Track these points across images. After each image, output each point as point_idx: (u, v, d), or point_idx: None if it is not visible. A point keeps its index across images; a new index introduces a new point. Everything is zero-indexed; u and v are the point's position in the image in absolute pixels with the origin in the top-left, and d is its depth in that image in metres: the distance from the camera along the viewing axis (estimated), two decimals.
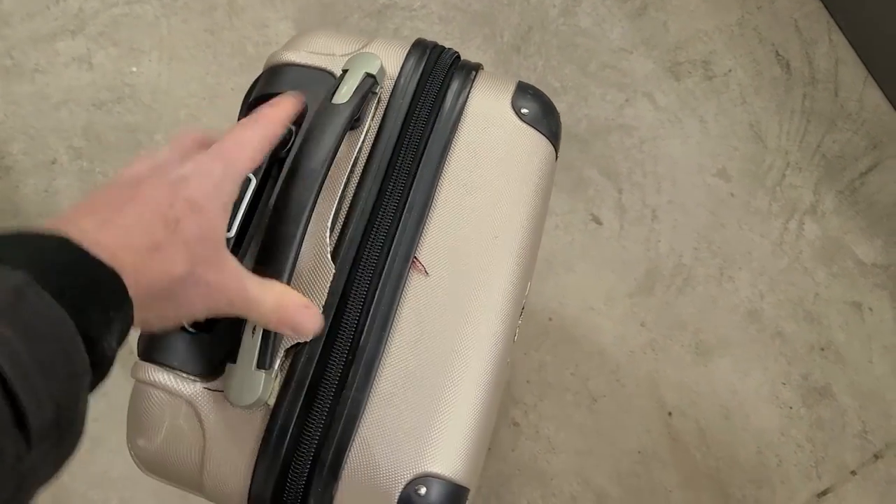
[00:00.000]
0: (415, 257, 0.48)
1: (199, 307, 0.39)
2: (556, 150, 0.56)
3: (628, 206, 1.09)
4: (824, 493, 0.98)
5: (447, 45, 0.57)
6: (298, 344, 0.45)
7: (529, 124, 0.52)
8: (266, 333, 0.43)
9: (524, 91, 0.54)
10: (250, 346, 0.43)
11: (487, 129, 0.52)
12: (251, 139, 0.42)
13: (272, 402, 0.44)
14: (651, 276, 1.06)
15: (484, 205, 0.50)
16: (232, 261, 0.40)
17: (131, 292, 0.33)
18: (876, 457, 1.00)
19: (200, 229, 0.38)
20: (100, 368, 0.32)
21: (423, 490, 0.44)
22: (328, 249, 0.47)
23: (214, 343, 0.46)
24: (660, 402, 1.00)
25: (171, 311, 0.38)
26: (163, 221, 0.36)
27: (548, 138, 0.54)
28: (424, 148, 0.50)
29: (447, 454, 0.45)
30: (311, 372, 0.45)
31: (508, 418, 0.99)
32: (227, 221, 0.40)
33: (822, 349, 1.04)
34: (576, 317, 1.04)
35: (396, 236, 0.48)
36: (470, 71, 0.54)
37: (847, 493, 0.98)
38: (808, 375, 1.03)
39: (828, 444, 1.00)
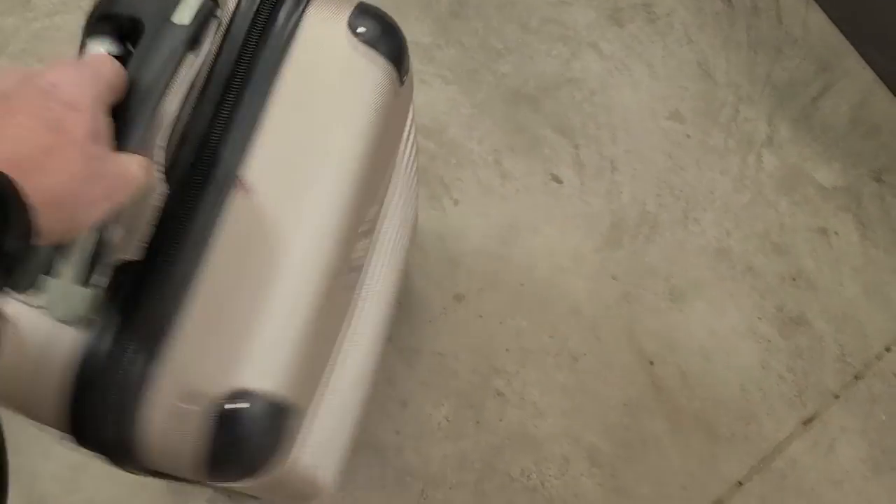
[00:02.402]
0: (238, 177, 0.47)
1: (103, 204, 0.40)
2: (402, 72, 0.53)
3: (586, 161, 1.08)
4: (810, 419, 0.99)
5: None
6: (123, 263, 0.44)
7: (367, 44, 0.51)
8: (85, 248, 0.43)
9: (363, 11, 0.52)
10: (73, 260, 0.43)
11: (320, 49, 0.50)
12: (108, 58, 0.43)
13: (87, 317, 0.44)
14: (617, 229, 1.05)
15: (313, 127, 0.49)
16: (121, 154, 0.41)
17: (33, 200, 0.34)
18: (856, 377, 1.01)
19: (85, 127, 0.39)
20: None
21: (242, 406, 0.42)
22: (162, 170, 0.46)
23: (35, 256, 0.45)
24: (640, 353, 1.01)
25: (79, 214, 0.39)
26: (45, 126, 0.37)
27: (388, 59, 0.52)
28: (255, 70, 0.49)
29: (267, 369, 0.44)
30: (131, 289, 0.44)
31: (492, 389, 0.99)
32: (106, 120, 0.41)
33: (794, 279, 1.05)
34: (547, 279, 1.03)
35: (224, 156, 0.47)
36: None
37: (832, 417, 1.00)
38: (783, 306, 1.04)
39: (808, 371, 1.01)
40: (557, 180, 1.07)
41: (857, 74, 1.14)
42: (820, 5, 1.16)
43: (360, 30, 0.50)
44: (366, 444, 0.96)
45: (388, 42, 0.51)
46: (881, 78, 1.13)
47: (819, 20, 1.16)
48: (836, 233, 1.07)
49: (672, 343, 1.02)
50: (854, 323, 1.04)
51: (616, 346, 1.01)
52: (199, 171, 0.46)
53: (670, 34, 1.14)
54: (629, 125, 1.10)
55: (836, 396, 1.01)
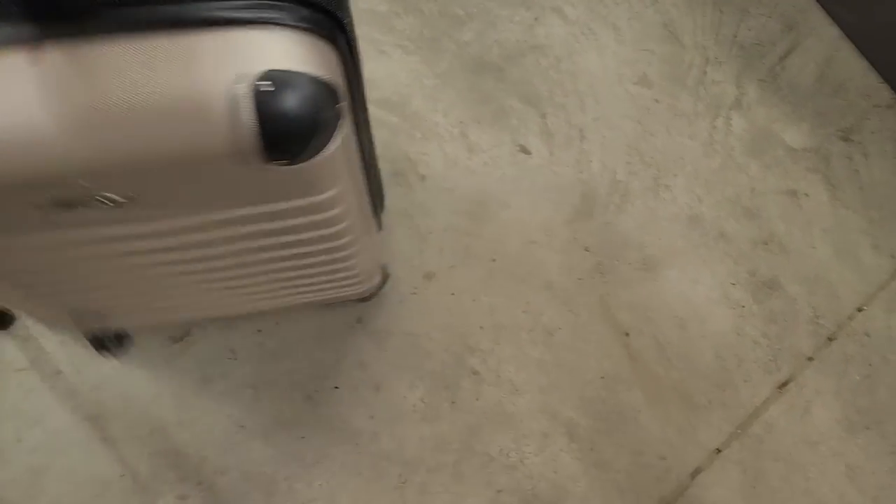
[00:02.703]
0: None
1: None
2: None
3: (554, 130, 1.05)
4: (785, 383, 0.99)
5: None
6: None
7: None
8: None
9: None
10: None
11: None
12: None
13: None
14: (588, 199, 1.03)
15: None
16: None
17: None
18: (829, 339, 1.01)
19: None
20: None
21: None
22: None
23: None
24: (615, 325, 0.99)
25: None
26: None
27: None
28: None
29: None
30: None
31: (467, 368, 0.96)
32: None
33: (765, 243, 1.04)
34: (518, 253, 1.01)
35: None
36: None
37: (807, 380, 1.00)
38: (756, 271, 1.03)
39: (782, 335, 1.01)
40: (525, 151, 1.04)
41: (823, 31, 1.12)
42: None
43: None
44: (340, 430, 0.93)
45: None
46: (846, 34, 1.12)
47: None
48: (805, 194, 1.06)
49: (647, 313, 1.00)
50: (826, 284, 1.03)
51: (591, 319, 0.99)
52: None
53: None
54: (596, 92, 1.07)
55: (810, 359, 1.01)
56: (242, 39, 0.42)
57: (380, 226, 0.82)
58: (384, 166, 1.00)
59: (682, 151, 1.06)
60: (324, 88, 0.43)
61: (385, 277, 0.91)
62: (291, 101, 0.41)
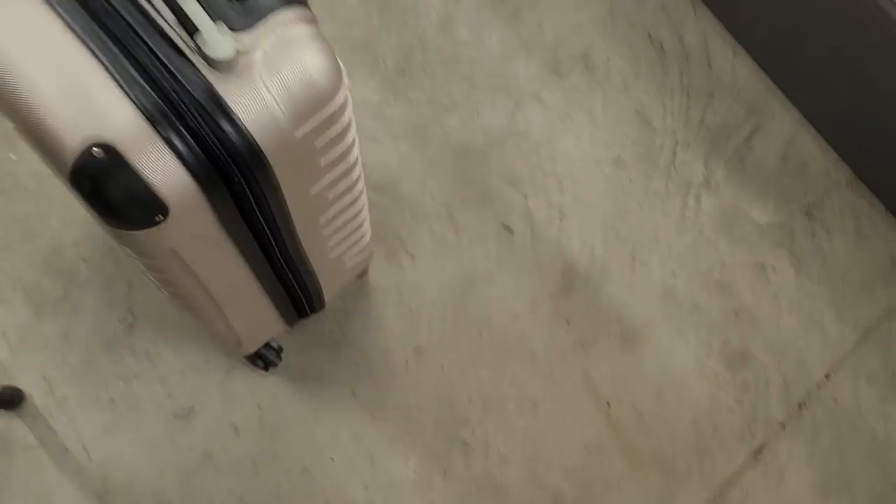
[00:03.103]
0: None
1: None
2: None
3: (535, 210, 1.12)
4: (759, 450, 1.04)
5: None
6: None
7: None
8: None
9: None
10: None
11: None
12: None
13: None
14: (568, 275, 1.10)
15: None
16: None
17: None
18: (800, 406, 1.07)
19: None
20: None
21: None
22: None
23: None
24: (597, 395, 1.04)
25: None
26: None
27: None
28: None
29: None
30: None
31: (458, 439, 1.01)
32: None
33: (736, 314, 1.10)
34: (504, 327, 1.07)
35: None
36: None
37: (780, 446, 1.05)
38: (728, 341, 1.09)
39: (756, 403, 1.06)
40: (509, 230, 1.11)
41: (784, 115, 1.21)
42: (747, 51, 1.23)
43: None
44: (335, 500, 0.97)
45: None
46: (806, 117, 1.20)
47: (746, 65, 1.23)
48: (773, 268, 1.13)
49: (626, 383, 1.06)
50: (794, 353, 1.09)
51: (573, 390, 1.05)
52: None
53: (608, 83, 1.20)
54: (574, 173, 1.14)
55: (783, 425, 1.06)
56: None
57: (294, 320, 0.91)
58: (377, 246, 1.07)
59: (656, 228, 1.13)
60: (142, 195, 0.51)
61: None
62: (108, 177, 0.50)
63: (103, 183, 0.50)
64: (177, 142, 0.50)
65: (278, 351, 0.99)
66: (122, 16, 0.51)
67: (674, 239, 1.13)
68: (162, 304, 1.04)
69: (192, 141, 0.50)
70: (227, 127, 0.51)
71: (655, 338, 1.08)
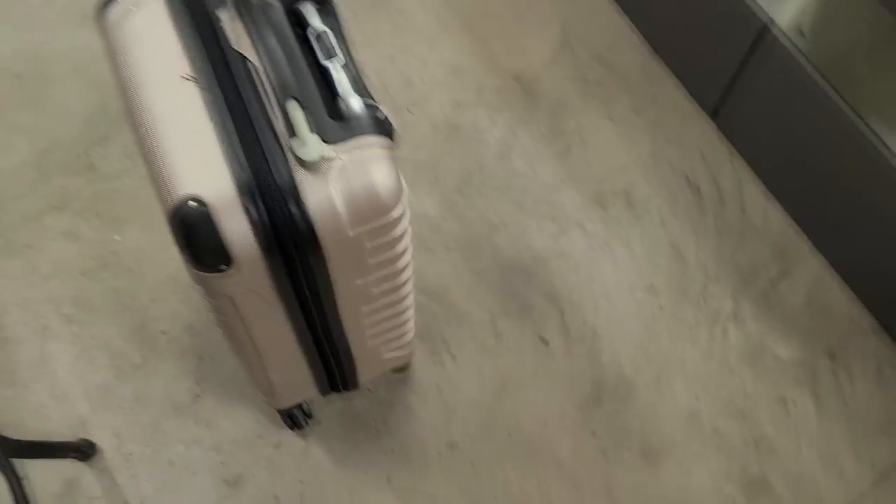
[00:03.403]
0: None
1: None
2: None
3: (571, 326, 1.22)
4: None
5: None
6: None
7: None
8: None
9: None
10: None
11: None
12: None
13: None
14: (597, 389, 1.18)
15: None
16: None
17: None
18: None
19: None
20: None
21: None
22: None
23: None
24: None
25: None
26: None
27: None
28: None
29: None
30: None
31: None
32: None
33: (756, 443, 1.16)
34: (533, 432, 1.15)
35: None
36: None
37: None
38: (746, 468, 1.14)
39: None
40: (545, 342, 1.21)
41: (811, 261, 1.29)
42: (779, 200, 1.34)
43: None
44: None
45: None
46: (832, 265, 1.29)
47: (778, 212, 1.33)
48: (794, 402, 1.19)
49: (646, 499, 1.11)
50: (811, 488, 1.13)
51: (594, 499, 1.11)
52: None
53: (647, 218, 1.31)
54: (609, 296, 1.24)
55: None
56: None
57: (326, 394, 1.02)
58: (424, 345, 1.18)
59: (683, 354, 1.21)
60: (216, 244, 0.64)
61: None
62: (195, 223, 0.63)
63: (190, 228, 0.63)
64: (253, 211, 0.64)
65: (308, 415, 1.10)
66: (245, 106, 0.66)
67: (699, 365, 1.20)
68: (225, 379, 1.16)
69: (265, 214, 0.64)
70: (294, 210, 0.64)
71: (676, 457, 1.14)
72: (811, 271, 1.29)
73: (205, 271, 0.67)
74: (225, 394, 1.15)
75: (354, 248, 0.72)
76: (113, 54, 0.72)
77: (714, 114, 1.40)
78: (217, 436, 1.12)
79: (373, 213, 0.69)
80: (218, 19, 0.71)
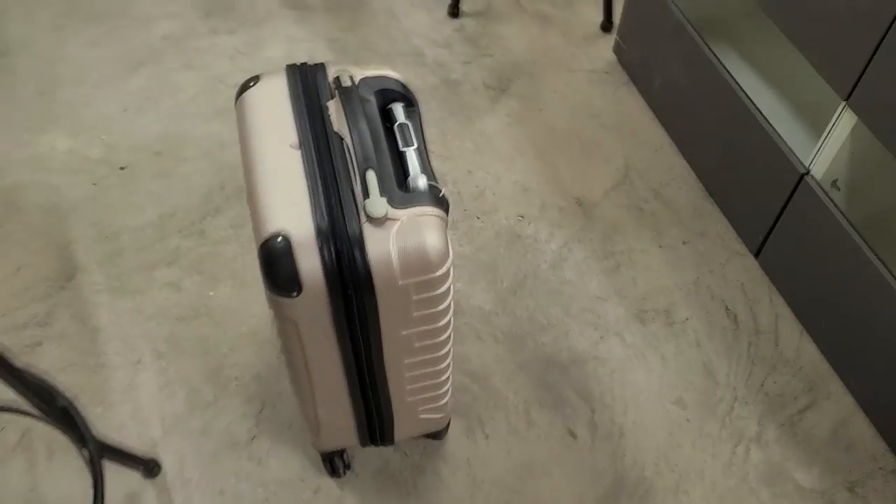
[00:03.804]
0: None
1: None
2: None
3: (599, 424, 1.31)
4: None
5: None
6: None
7: None
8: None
9: None
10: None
11: None
12: None
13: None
14: (617, 485, 1.25)
15: None
16: None
17: None
18: None
19: None
20: None
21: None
22: None
23: None
24: None
25: None
26: None
27: None
28: None
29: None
30: None
31: None
32: None
33: None
34: None
35: None
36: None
37: None
38: None
39: None
40: (573, 435, 1.30)
41: (839, 398, 1.35)
42: (812, 337, 1.42)
43: None
44: None
45: None
46: (859, 405, 1.34)
47: (810, 348, 1.41)
48: None
49: None
50: None
51: None
52: None
53: (683, 337, 1.42)
54: (639, 402, 1.33)
55: None
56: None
57: (364, 445, 1.16)
58: (461, 421, 1.29)
59: (704, 466, 1.27)
60: (292, 273, 0.80)
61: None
62: (278, 254, 0.80)
63: (274, 258, 0.80)
64: (325, 252, 0.81)
65: (347, 465, 1.21)
66: (335, 173, 0.85)
67: (718, 479, 1.26)
68: (281, 425, 1.29)
69: (334, 255, 0.81)
70: (358, 256, 0.81)
71: None
72: (839, 407, 1.35)
73: (279, 295, 0.84)
74: (278, 438, 1.28)
75: (402, 298, 0.87)
76: (241, 123, 0.93)
77: (757, 253, 1.52)
78: (265, 474, 1.25)
79: (421, 268, 0.85)
80: (326, 107, 0.91)
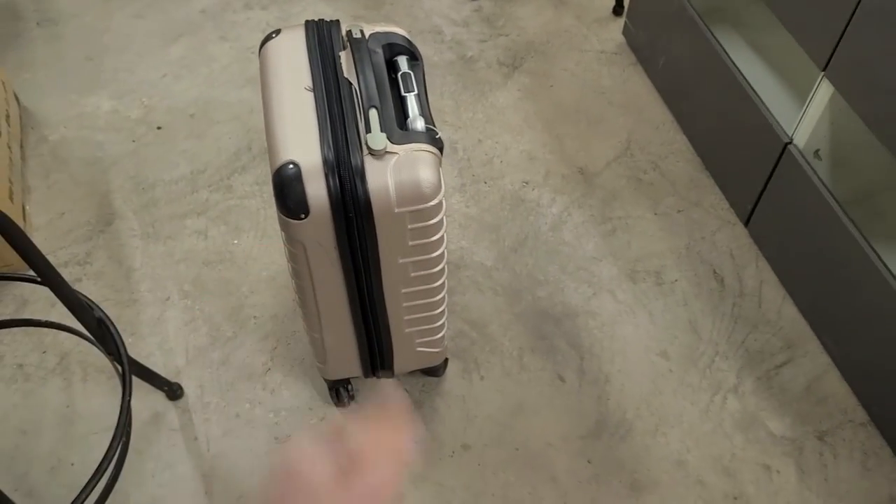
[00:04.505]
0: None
1: None
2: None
3: (587, 371, 1.41)
4: None
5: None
6: None
7: None
8: None
9: None
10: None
11: None
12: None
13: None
14: (600, 425, 1.35)
15: None
16: None
17: None
18: None
19: None
20: None
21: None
22: None
23: None
24: None
25: None
26: None
27: None
28: None
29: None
30: None
31: None
32: None
33: (735, 498, 1.28)
34: (537, 450, 1.32)
35: None
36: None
37: None
38: None
39: None
40: (562, 380, 1.40)
41: (816, 357, 1.44)
42: (794, 300, 1.50)
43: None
44: None
45: None
46: (835, 363, 1.42)
47: (791, 311, 1.49)
48: (777, 471, 1.31)
49: None
50: None
51: None
52: None
53: (671, 296, 1.51)
54: (626, 353, 1.43)
55: None
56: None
57: (367, 375, 1.27)
58: (458, 363, 1.40)
59: (682, 412, 1.37)
60: (300, 197, 0.92)
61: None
62: (289, 180, 0.91)
63: (285, 183, 0.92)
64: (330, 179, 0.92)
65: (351, 396, 1.33)
66: (342, 112, 0.96)
67: (696, 423, 1.35)
68: (293, 360, 1.42)
69: (338, 183, 0.92)
70: (358, 184, 0.92)
71: (660, 495, 1.28)
72: (815, 364, 1.43)
73: (289, 217, 0.95)
74: (290, 372, 1.40)
75: (398, 225, 0.99)
76: (263, 69, 1.05)
77: (746, 221, 1.60)
78: (277, 402, 1.37)
79: (415, 199, 0.96)
80: (338, 57, 1.03)
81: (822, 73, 1.28)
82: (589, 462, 1.31)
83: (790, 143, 1.41)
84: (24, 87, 1.86)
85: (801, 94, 1.40)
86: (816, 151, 1.40)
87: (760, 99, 1.48)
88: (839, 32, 1.21)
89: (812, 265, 1.45)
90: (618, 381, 1.40)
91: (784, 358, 1.44)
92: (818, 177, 1.37)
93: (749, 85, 1.50)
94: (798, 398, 1.39)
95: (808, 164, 1.39)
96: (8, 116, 1.65)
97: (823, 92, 1.31)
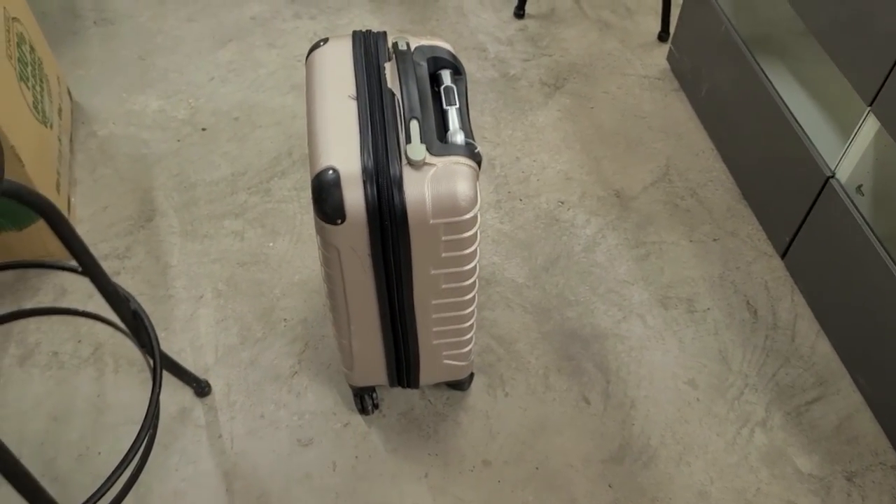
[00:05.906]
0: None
1: None
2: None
3: (612, 394, 1.40)
4: None
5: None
6: None
7: None
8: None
9: None
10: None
11: None
12: None
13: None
14: (623, 450, 1.34)
15: None
16: None
17: None
18: None
19: None
20: None
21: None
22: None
23: None
24: None
25: None
26: None
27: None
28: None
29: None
30: None
31: None
32: None
33: None
34: (558, 470, 1.31)
35: None
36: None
37: None
38: None
39: None
40: (587, 402, 1.39)
41: (848, 395, 1.41)
42: (828, 336, 1.48)
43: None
44: None
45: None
46: (867, 403, 1.39)
47: (825, 347, 1.47)
48: None
49: None
50: None
51: None
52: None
53: (703, 324, 1.49)
54: (653, 379, 1.42)
55: None
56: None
57: (392, 384, 1.29)
58: (484, 378, 1.40)
59: (708, 442, 1.35)
60: (338, 203, 0.93)
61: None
62: (328, 185, 0.92)
63: (324, 188, 0.93)
64: (368, 187, 0.93)
65: (375, 404, 1.33)
66: (384, 122, 0.97)
67: (720, 455, 1.33)
68: (321, 364, 1.43)
69: (375, 191, 0.93)
70: (395, 193, 0.93)
71: None
72: (846, 403, 1.40)
73: (326, 222, 0.97)
74: (317, 376, 1.42)
75: (432, 236, 0.99)
76: (309, 76, 1.07)
77: (784, 254, 1.58)
78: (301, 405, 1.38)
79: (450, 210, 0.97)
80: (383, 67, 1.05)
81: (869, 108, 1.27)
82: (610, 486, 1.30)
83: (832, 177, 1.40)
84: (78, 83, 1.91)
85: (846, 129, 1.39)
86: (859, 187, 1.39)
87: (804, 131, 1.46)
88: (888, 67, 1.20)
89: (848, 302, 1.42)
90: (643, 406, 1.39)
91: (815, 394, 1.41)
92: (859, 212, 1.35)
93: (793, 116, 1.49)
94: (828, 436, 1.36)
95: (850, 199, 1.37)
96: (60, 110, 1.70)
97: (869, 127, 1.29)
